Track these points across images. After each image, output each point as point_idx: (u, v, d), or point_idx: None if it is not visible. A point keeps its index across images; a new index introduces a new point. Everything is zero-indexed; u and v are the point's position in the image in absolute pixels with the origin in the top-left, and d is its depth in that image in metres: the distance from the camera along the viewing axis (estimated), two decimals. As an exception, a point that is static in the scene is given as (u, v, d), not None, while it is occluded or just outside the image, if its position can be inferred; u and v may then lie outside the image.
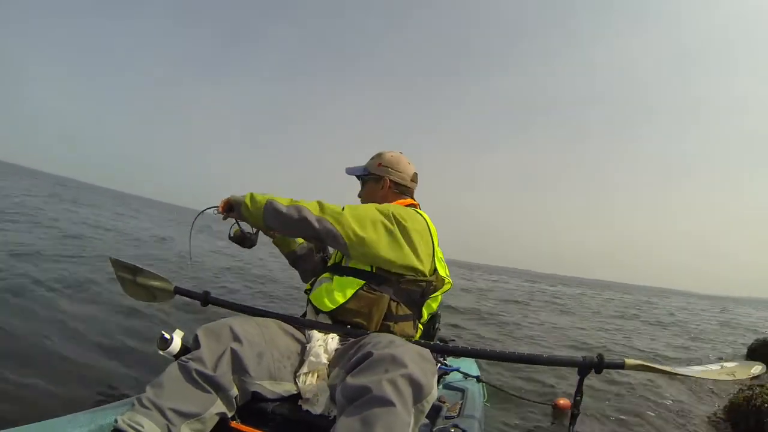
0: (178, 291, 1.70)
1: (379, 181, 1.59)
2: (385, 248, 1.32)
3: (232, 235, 1.62)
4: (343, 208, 1.33)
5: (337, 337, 1.30)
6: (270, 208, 1.35)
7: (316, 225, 1.31)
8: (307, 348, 1.26)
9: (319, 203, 1.34)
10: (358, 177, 1.67)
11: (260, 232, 1.61)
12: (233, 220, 1.55)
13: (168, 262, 6.84)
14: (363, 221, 1.31)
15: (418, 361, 1.01)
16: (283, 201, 1.36)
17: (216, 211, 1.49)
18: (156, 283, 1.77)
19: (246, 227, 1.59)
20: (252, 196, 1.40)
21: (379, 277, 1.35)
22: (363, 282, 1.34)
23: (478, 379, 2.12)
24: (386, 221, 1.34)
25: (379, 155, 1.62)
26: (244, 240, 1.62)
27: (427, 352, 1.11)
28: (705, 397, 3.88)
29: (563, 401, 2.93)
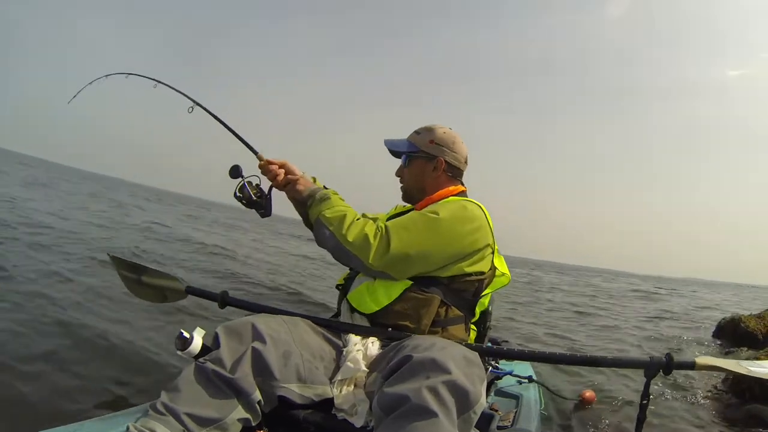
0: (191, 291, 1.60)
1: (431, 161, 1.41)
2: (447, 271, 1.24)
3: (240, 193, 1.30)
4: (388, 244, 1.19)
5: (378, 342, 1.18)
6: (332, 235, 1.22)
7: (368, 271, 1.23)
8: (344, 353, 1.15)
9: (380, 243, 1.20)
10: (393, 153, 1.48)
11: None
12: (239, 179, 1.30)
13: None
14: (412, 261, 1.20)
15: (464, 365, 0.93)
16: (354, 228, 1.21)
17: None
18: (164, 283, 1.66)
19: (261, 186, 1.33)
20: (330, 198, 1.27)
21: (429, 278, 1.23)
22: (410, 282, 1.22)
23: (530, 380, 2.02)
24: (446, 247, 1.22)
25: (429, 130, 1.43)
26: (258, 204, 1.32)
27: (474, 355, 1.02)
28: (694, 377, 3.80)
29: (589, 393, 2.86)
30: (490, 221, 1.32)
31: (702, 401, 3.18)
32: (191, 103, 1.47)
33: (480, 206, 1.33)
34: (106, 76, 1.48)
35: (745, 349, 5.22)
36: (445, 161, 1.40)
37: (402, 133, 1.49)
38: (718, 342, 6.01)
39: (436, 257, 1.21)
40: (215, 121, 1.43)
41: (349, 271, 1.39)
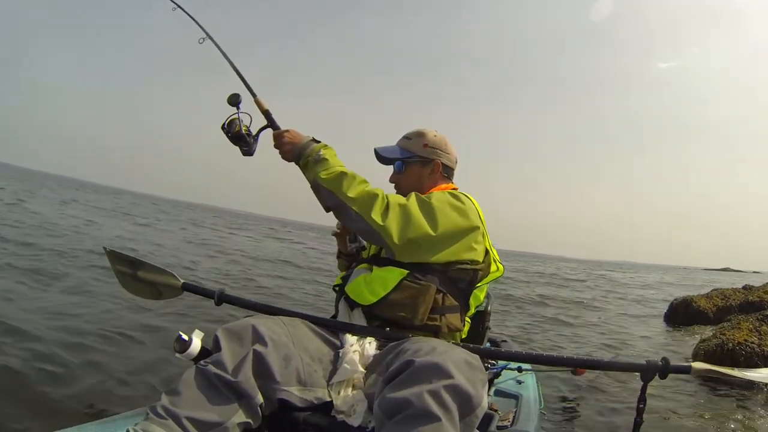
0: (187, 288, 1.57)
1: (428, 165, 1.43)
2: (440, 252, 1.24)
3: (228, 127, 1.30)
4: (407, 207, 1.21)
5: (375, 342, 1.18)
6: (333, 195, 1.22)
7: (372, 233, 1.22)
8: (341, 354, 1.15)
9: (387, 202, 1.21)
10: (382, 160, 1.48)
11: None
12: (234, 111, 1.30)
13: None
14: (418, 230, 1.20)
15: (465, 369, 0.93)
16: (355, 185, 1.21)
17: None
18: (160, 279, 1.63)
19: (247, 124, 1.32)
20: (326, 158, 1.24)
21: (425, 266, 1.24)
22: (407, 272, 1.22)
23: (520, 369, 2.03)
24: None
25: (421, 135, 1.45)
26: (243, 140, 1.31)
27: (475, 358, 1.01)
28: (668, 353, 4.02)
29: None
30: (479, 210, 1.34)
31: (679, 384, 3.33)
32: (203, 35, 1.51)
33: (469, 197, 1.36)
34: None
35: (700, 326, 5.55)
36: (442, 163, 1.43)
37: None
38: (672, 321, 6.32)
39: (431, 233, 1.21)
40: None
41: (344, 273, 1.40)
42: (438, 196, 1.29)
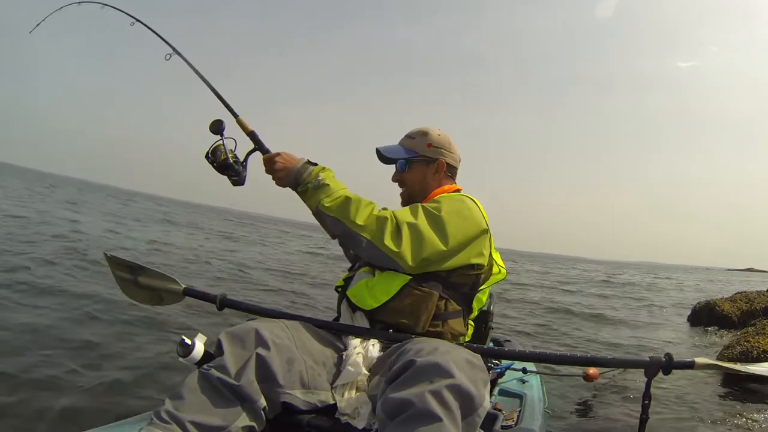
0: (189, 293, 1.57)
1: (431, 164, 1.43)
2: (449, 261, 1.23)
3: (212, 156, 1.21)
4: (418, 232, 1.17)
5: (379, 344, 1.19)
6: (339, 222, 1.17)
7: (383, 259, 1.18)
8: (344, 356, 1.15)
9: (397, 225, 1.18)
10: (384, 159, 1.46)
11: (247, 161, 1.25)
12: (218, 137, 1.20)
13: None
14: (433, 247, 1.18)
15: (467, 369, 0.94)
16: (362, 211, 1.17)
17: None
18: (162, 284, 1.63)
19: (232, 149, 1.22)
20: (327, 183, 1.19)
21: (429, 272, 1.24)
22: (409, 278, 1.22)
23: (525, 371, 2.03)
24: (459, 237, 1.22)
25: (425, 134, 1.44)
26: (231, 169, 1.22)
27: (477, 357, 1.02)
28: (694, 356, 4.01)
29: (592, 371, 2.87)
30: (484, 213, 1.34)
31: (702, 379, 3.31)
32: (169, 50, 1.39)
33: (475, 200, 1.36)
34: (79, 3, 1.38)
35: (724, 331, 5.41)
36: (446, 162, 1.43)
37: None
38: (695, 325, 6.19)
39: (443, 249, 1.20)
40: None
41: (347, 273, 1.40)
42: (446, 206, 1.26)
